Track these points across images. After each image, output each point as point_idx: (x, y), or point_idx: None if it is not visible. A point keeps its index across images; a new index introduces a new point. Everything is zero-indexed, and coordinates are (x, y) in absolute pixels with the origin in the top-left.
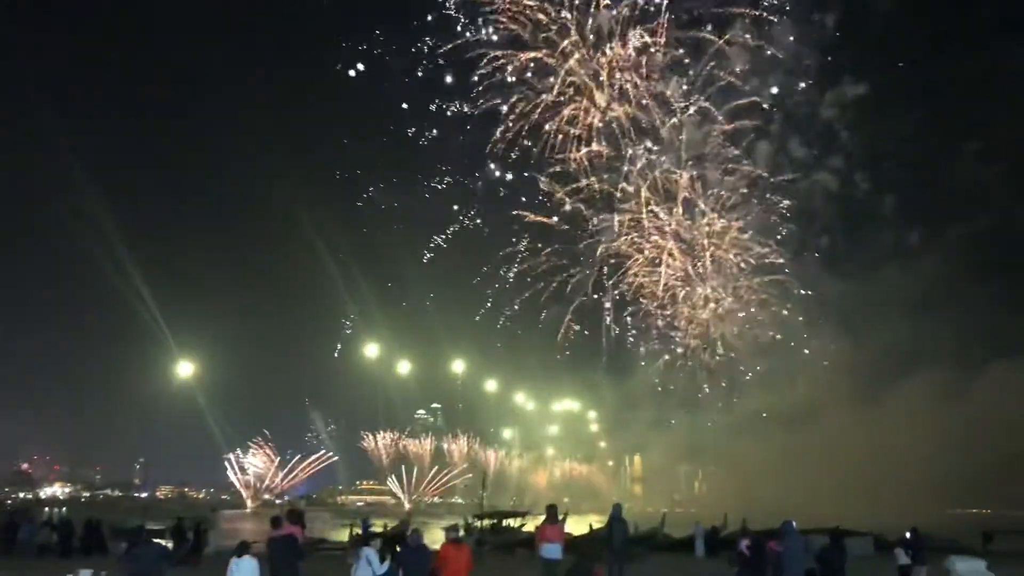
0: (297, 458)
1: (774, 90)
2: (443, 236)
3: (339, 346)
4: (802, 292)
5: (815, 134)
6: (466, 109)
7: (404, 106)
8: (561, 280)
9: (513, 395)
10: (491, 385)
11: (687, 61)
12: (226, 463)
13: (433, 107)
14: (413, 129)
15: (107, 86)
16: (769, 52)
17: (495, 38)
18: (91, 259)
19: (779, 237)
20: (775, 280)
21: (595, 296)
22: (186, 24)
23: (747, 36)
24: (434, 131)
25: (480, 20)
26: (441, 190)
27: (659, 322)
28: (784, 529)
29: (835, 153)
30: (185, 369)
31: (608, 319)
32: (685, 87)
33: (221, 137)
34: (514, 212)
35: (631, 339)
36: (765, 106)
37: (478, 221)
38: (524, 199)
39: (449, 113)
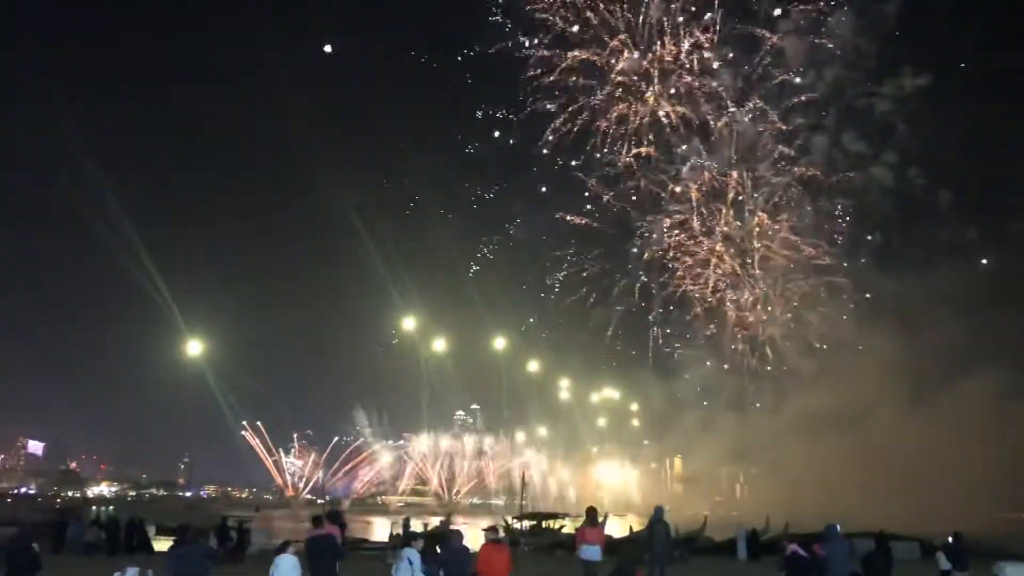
0: (348, 452)
1: (830, 83)
2: (493, 240)
3: (387, 344)
4: (855, 291)
5: (871, 128)
6: (513, 114)
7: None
8: (607, 282)
9: (557, 394)
10: (535, 384)
11: (739, 56)
12: (271, 463)
13: (480, 113)
14: (460, 136)
15: (145, 71)
16: (827, 44)
17: (542, 39)
18: (144, 265)
19: (834, 236)
20: (826, 279)
21: (641, 302)
22: (228, 16)
23: (802, 27)
24: (477, 139)
25: (526, 20)
26: (488, 196)
27: (707, 324)
28: (828, 532)
29: (891, 148)
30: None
31: (654, 321)
32: (739, 83)
33: (274, 136)
34: (559, 216)
35: (677, 341)
36: (820, 100)
37: (525, 225)
38: (571, 202)
39: (497, 116)
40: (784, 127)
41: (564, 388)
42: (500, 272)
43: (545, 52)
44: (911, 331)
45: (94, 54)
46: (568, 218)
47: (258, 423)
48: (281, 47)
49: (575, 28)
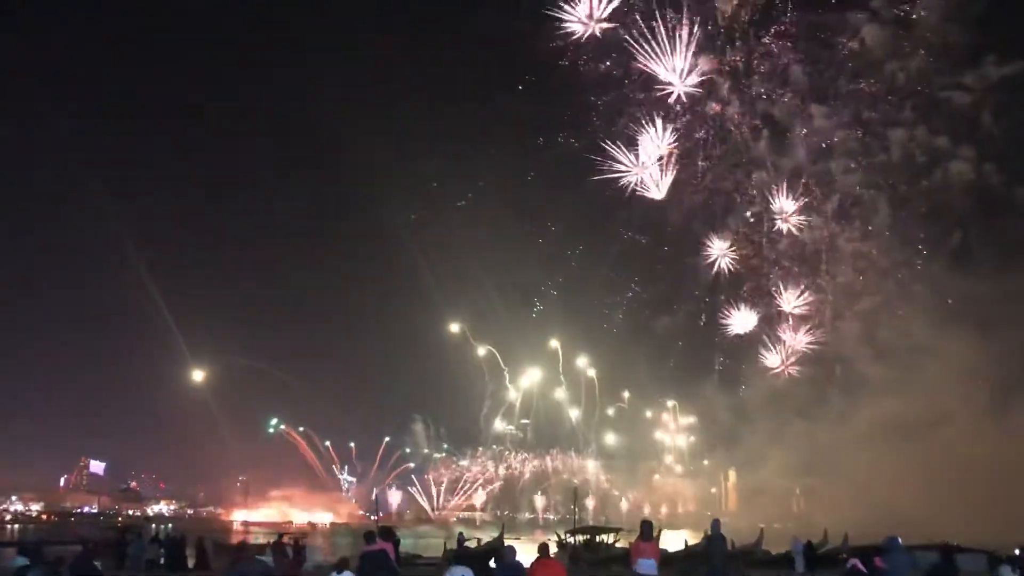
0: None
1: (912, 74)
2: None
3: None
4: (931, 293)
5: (952, 122)
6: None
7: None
8: (673, 291)
9: (616, 406)
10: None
11: (816, 49)
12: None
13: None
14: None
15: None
16: (912, 33)
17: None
18: (196, 285)
19: (910, 236)
20: (901, 280)
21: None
22: (260, 23)
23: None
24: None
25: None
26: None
27: (777, 330)
28: (889, 545)
29: (970, 142)
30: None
31: (718, 342)
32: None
33: (327, 139)
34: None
35: (743, 351)
36: (900, 92)
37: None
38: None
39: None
40: (860, 124)
41: (623, 400)
42: (567, 292)
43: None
44: (989, 334)
45: (110, 69)
46: (634, 237)
47: (327, 443)
48: (323, 52)
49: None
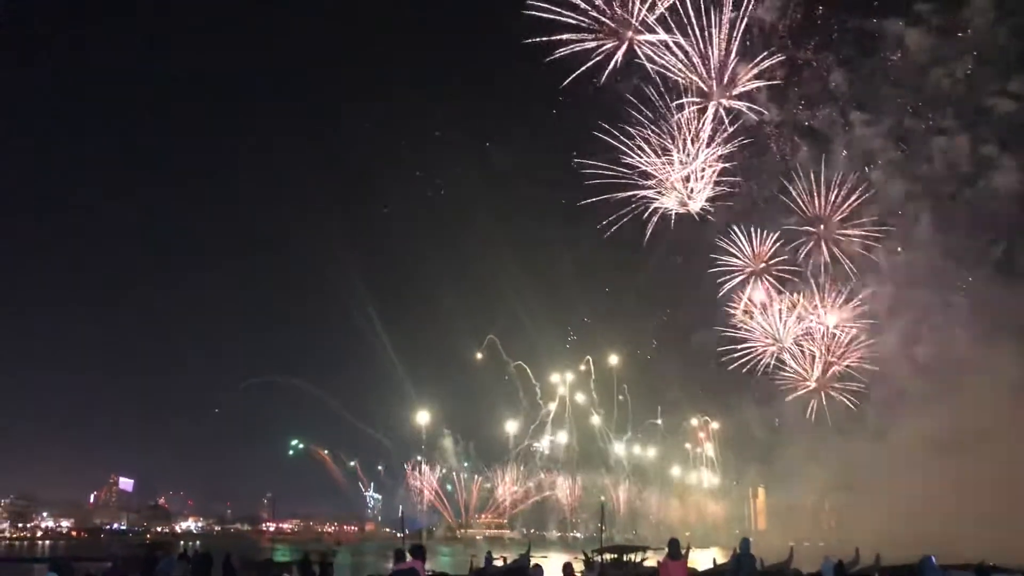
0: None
1: (960, 81)
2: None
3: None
4: (973, 306)
5: (998, 129)
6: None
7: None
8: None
9: (648, 422)
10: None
11: (856, 57)
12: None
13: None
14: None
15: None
16: (960, 36)
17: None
18: (223, 302)
19: (962, 248)
20: (942, 292)
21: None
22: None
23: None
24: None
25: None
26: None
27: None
28: (923, 565)
29: (1017, 150)
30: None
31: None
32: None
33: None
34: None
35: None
36: (945, 99)
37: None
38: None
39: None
40: (902, 133)
41: (657, 415)
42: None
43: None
44: None
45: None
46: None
47: (353, 462)
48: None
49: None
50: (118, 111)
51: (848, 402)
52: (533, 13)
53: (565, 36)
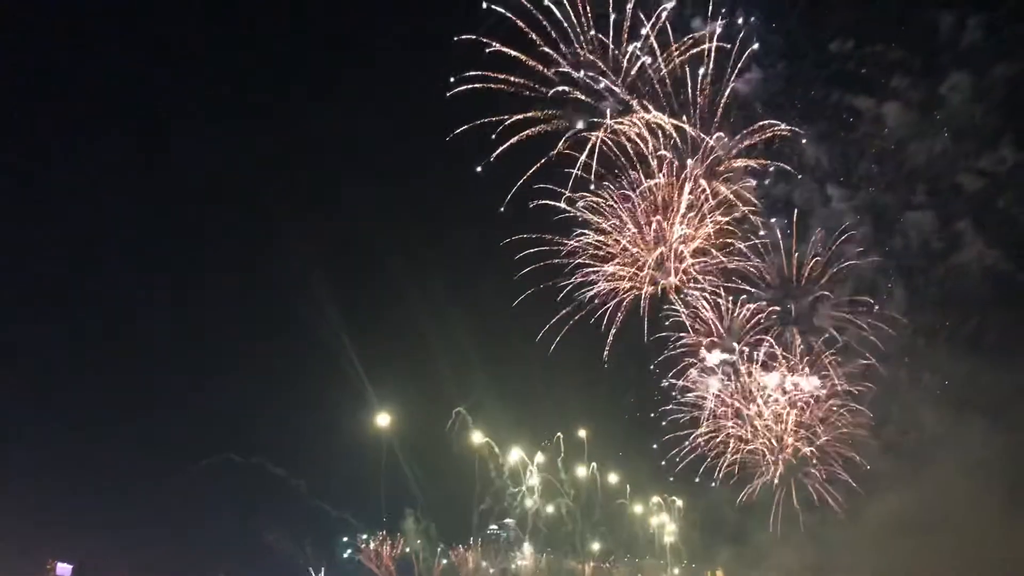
0: None
1: (932, 155)
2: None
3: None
4: (942, 382)
5: (969, 205)
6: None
7: None
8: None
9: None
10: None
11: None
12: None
13: None
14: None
15: None
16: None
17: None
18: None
19: (932, 324)
20: (911, 369)
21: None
22: None
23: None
24: None
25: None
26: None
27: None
28: None
29: (986, 226)
30: None
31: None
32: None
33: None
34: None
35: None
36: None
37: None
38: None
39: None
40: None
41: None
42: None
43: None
44: (1002, 428)
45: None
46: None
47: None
48: None
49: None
50: None
51: (814, 490)
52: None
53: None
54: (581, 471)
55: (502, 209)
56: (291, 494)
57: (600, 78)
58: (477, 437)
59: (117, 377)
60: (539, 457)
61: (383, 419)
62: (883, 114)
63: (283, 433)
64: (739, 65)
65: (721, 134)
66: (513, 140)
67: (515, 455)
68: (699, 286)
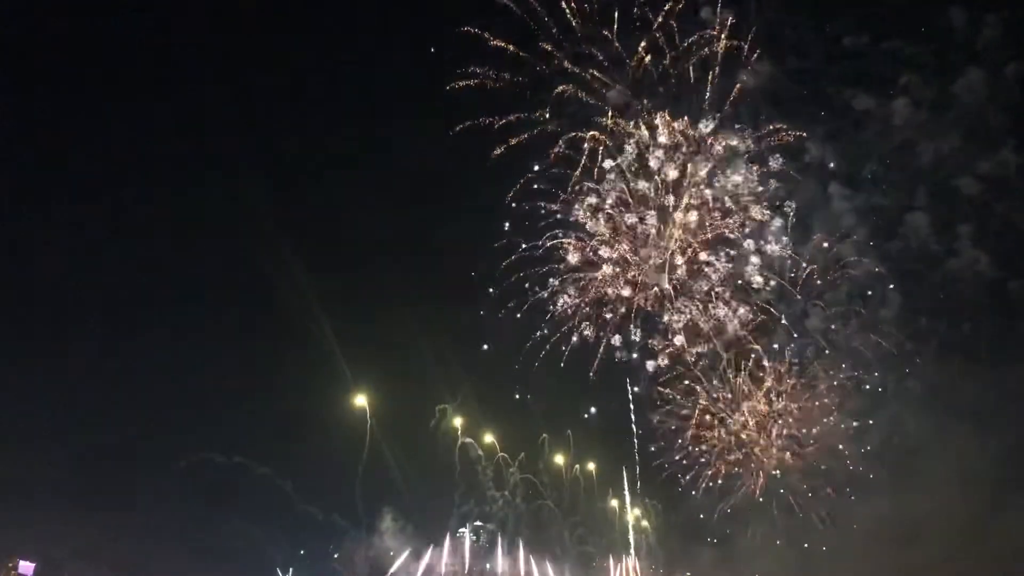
0: None
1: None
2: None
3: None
4: (928, 388)
5: (968, 209)
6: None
7: None
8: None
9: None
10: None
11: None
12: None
13: None
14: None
15: None
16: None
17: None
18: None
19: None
20: (900, 375)
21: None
22: None
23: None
24: None
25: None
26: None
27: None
28: None
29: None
30: None
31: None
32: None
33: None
34: None
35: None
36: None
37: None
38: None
39: None
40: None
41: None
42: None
43: None
44: (986, 433)
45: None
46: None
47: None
48: None
49: None
50: None
51: (796, 501)
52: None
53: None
54: (563, 472)
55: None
56: (272, 493)
57: (601, 74)
58: (459, 434)
59: (83, 373)
60: (520, 456)
61: (360, 400)
62: (892, 112)
63: (262, 431)
64: (746, 60)
65: (724, 131)
66: (512, 141)
67: (496, 455)
68: (694, 288)
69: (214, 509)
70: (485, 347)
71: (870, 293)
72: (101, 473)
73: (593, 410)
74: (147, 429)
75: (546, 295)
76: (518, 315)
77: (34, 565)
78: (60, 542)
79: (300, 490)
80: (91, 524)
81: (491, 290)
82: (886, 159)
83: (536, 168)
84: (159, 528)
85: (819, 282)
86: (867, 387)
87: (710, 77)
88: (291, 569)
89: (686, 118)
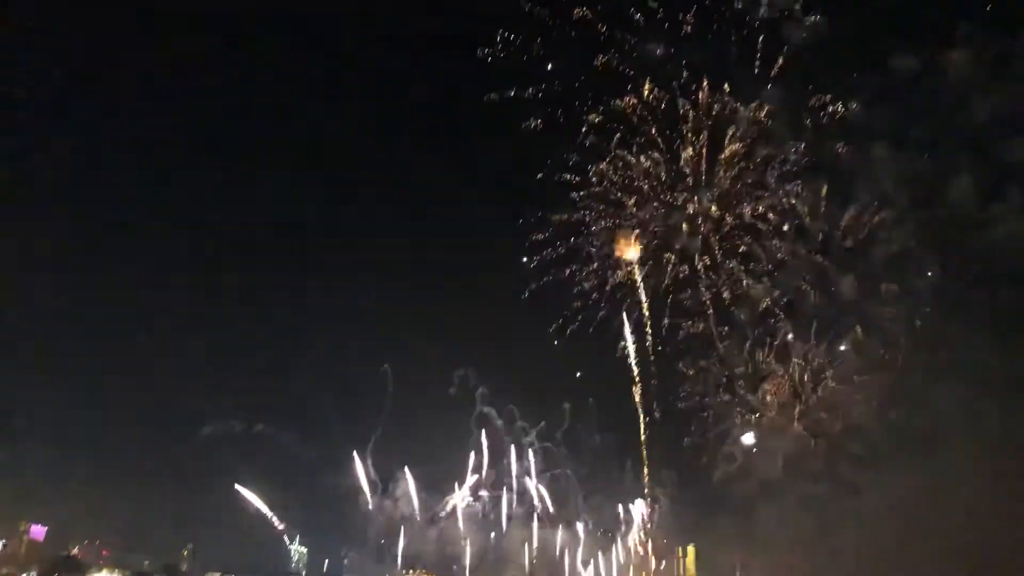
0: None
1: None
2: None
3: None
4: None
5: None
6: None
7: None
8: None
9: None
10: None
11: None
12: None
13: None
14: None
15: None
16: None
17: None
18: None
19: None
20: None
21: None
22: None
23: None
24: None
25: None
26: None
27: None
28: None
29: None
30: None
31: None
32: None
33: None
34: None
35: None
36: None
37: None
38: None
39: None
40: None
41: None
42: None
43: None
44: (1017, 407)
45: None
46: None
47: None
48: None
49: None
50: None
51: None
52: None
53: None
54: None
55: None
56: (290, 461)
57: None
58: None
59: (101, 342)
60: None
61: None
62: (946, 67)
63: (282, 396)
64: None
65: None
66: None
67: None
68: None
69: (229, 475)
70: (511, 316)
71: (906, 262)
72: (113, 438)
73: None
74: (168, 395)
75: (575, 267)
76: (545, 285)
77: (46, 529)
78: (70, 506)
79: (319, 455)
80: (100, 489)
81: (524, 258)
82: (933, 121)
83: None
84: (168, 495)
85: (852, 249)
86: (895, 358)
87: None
88: (297, 535)
89: (727, 87)
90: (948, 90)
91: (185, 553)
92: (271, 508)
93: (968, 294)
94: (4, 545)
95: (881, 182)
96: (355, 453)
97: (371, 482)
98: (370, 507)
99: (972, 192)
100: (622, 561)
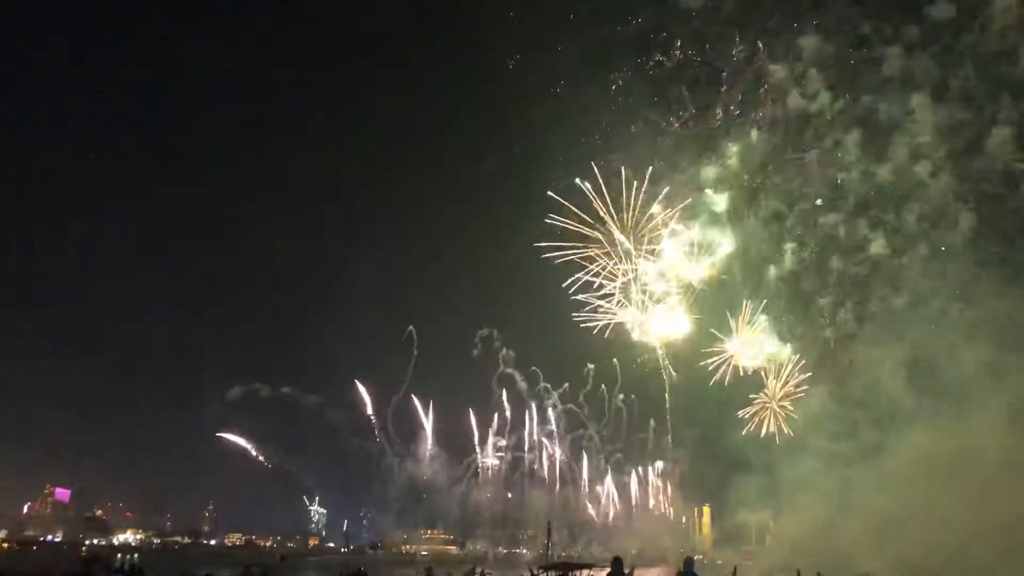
0: None
1: None
2: None
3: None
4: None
5: None
6: None
7: None
8: None
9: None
10: None
11: None
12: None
13: None
14: None
15: None
16: None
17: None
18: (166, 305)
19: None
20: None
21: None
22: None
23: None
24: None
25: None
26: None
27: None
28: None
29: None
30: None
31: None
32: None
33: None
34: None
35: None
36: None
37: None
38: None
39: None
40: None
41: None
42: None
43: None
44: None
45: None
46: None
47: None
48: None
49: None
50: None
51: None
52: None
53: None
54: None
55: None
56: (314, 425)
57: None
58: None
59: (127, 308)
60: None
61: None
62: (990, 14)
63: (304, 359)
64: None
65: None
66: None
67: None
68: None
69: (260, 439)
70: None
71: (943, 215)
72: (136, 403)
73: None
74: (194, 360)
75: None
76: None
77: (69, 491)
78: (90, 468)
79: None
80: (124, 453)
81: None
82: (976, 68)
83: None
84: (190, 457)
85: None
86: (924, 315)
87: None
88: (316, 497)
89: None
90: (989, 37)
91: (207, 514)
92: (291, 467)
93: (1002, 249)
94: (29, 507)
95: (918, 133)
96: (374, 414)
97: (392, 443)
98: (391, 468)
99: (1013, 143)
100: (642, 520)
